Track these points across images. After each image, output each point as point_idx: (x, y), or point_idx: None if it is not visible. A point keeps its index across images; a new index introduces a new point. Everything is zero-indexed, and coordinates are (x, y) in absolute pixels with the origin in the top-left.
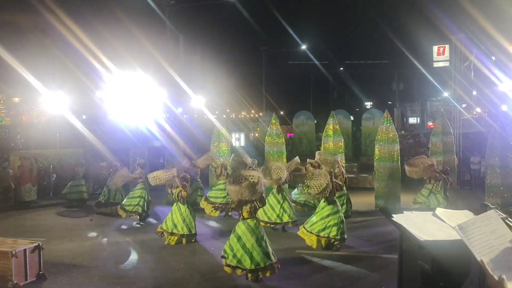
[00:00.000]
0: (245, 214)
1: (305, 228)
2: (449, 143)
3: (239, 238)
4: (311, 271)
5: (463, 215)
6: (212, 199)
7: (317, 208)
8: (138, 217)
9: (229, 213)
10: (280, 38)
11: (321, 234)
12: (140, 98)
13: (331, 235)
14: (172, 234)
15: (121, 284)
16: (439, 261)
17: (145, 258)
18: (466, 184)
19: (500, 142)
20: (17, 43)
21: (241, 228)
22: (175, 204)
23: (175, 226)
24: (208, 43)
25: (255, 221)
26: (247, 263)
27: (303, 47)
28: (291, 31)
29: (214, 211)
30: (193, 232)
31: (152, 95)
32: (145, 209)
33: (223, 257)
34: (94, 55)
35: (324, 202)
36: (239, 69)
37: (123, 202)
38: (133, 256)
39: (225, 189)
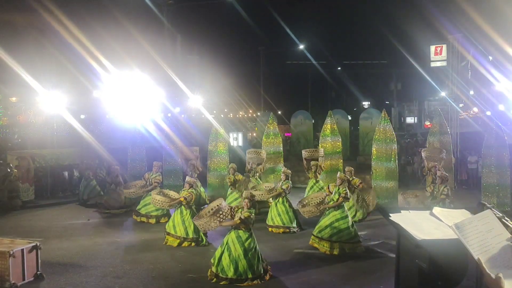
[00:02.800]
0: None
1: (315, 236)
2: (446, 143)
3: (228, 247)
4: (308, 270)
5: (460, 214)
6: None
7: (323, 214)
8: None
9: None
10: (277, 37)
11: (333, 239)
12: (138, 98)
13: (343, 239)
14: (169, 234)
15: (119, 284)
16: (436, 260)
17: (143, 258)
18: (464, 183)
19: (496, 142)
20: (14, 43)
21: (231, 237)
22: (179, 206)
23: (174, 227)
24: (206, 43)
25: (247, 234)
26: (231, 273)
27: (301, 46)
28: (288, 31)
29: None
30: (190, 236)
31: (150, 94)
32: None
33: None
34: (91, 55)
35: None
36: (237, 68)
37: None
38: (131, 256)
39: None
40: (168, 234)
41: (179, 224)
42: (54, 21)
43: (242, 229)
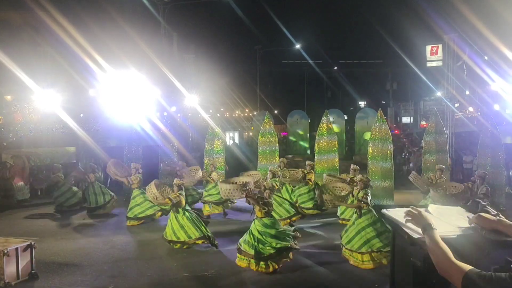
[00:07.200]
0: (259, 214)
1: (345, 248)
2: (442, 142)
3: (258, 234)
4: (305, 269)
5: (455, 212)
6: (207, 198)
7: (349, 222)
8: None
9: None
10: (274, 37)
11: (363, 250)
12: (134, 97)
13: (374, 248)
14: (171, 242)
15: (114, 283)
16: (431, 258)
17: (139, 257)
18: (460, 183)
19: (492, 141)
20: (9, 41)
21: (257, 227)
22: (171, 212)
23: (175, 233)
24: (202, 42)
25: (271, 219)
26: (266, 251)
27: (297, 46)
28: (285, 30)
29: (214, 207)
30: (196, 236)
31: (146, 93)
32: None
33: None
34: (87, 53)
35: (355, 213)
36: (233, 67)
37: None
38: (127, 255)
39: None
40: (171, 241)
41: (178, 230)
42: (50, 19)
43: (265, 217)
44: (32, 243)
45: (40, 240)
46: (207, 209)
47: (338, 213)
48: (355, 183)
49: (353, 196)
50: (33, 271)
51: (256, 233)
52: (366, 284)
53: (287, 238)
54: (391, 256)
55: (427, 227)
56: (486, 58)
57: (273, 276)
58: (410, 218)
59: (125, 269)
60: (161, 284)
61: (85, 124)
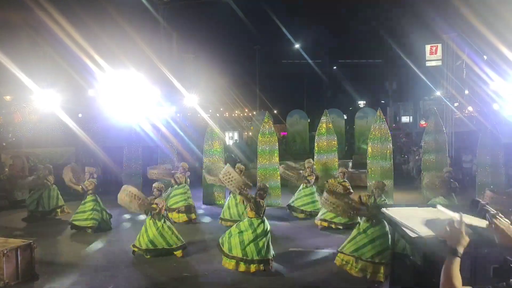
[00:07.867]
0: (250, 214)
1: (344, 253)
2: (441, 142)
3: (240, 232)
4: (304, 268)
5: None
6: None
7: (356, 229)
8: (90, 230)
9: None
10: (273, 36)
11: (376, 260)
12: (133, 97)
13: (383, 261)
14: (148, 251)
15: (114, 283)
16: (430, 257)
17: (138, 257)
18: (458, 182)
19: (491, 141)
20: (8, 41)
21: (244, 223)
22: (148, 218)
23: (152, 242)
24: (202, 41)
25: (259, 221)
26: (238, 252)
27: (297, 46)
28: (284, 30)
29: (179, 215)
30: (177, 245)
31: (145, 93)
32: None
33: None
34: (86, 53)
35: (366, 222)
36: (232, 67)
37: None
38: (126, 255)
39: (183, 194)
40: (145, 250)
41: (156, 237)
42: (49, 19)
43: (254, 217)
44: (32, 243)
45: (39, 240)
46: (175, 216)
47: (319, 215)
48: (347, 189)
49: (362, 204)
50: (32, 272)
51: (239, 234)
52: (365, 284)
53: (268, 250)
54: (391, 255)
55: (454, 252)
56: (485, 57)
57: (271, 276)
58: (449, 231)
59: (124, 269)
60: (161, 284)
61: (85, 124)
